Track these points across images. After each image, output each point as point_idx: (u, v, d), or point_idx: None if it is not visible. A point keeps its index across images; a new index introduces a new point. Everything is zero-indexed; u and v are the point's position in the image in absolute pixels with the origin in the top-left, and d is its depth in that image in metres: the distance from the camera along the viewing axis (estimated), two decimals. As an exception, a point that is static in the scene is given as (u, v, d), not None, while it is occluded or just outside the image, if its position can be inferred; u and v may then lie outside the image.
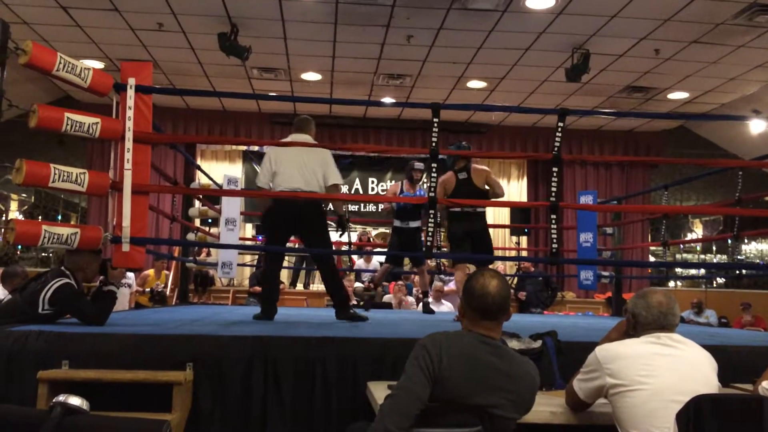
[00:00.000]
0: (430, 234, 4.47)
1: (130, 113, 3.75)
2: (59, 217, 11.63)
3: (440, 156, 4.46)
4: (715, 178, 11.46)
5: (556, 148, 4.23)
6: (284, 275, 11.21)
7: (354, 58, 9.12)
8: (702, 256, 12.32)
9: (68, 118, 3.49)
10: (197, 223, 8.06)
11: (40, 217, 10.98)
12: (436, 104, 4.16)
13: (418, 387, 2.05)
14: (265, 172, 4.62)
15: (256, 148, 12.12)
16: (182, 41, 8.63)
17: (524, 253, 11.53)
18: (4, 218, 10.89)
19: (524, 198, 12.19)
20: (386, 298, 9.24)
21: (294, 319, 4.85)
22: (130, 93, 3.77)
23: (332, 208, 5.02)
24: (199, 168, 7.71)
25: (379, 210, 12.51)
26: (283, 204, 4.51)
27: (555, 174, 4.23)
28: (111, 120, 3.77)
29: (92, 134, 3.60)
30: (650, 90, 10.02)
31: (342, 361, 3.05)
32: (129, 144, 3.74)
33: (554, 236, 4.23)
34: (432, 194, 4.23)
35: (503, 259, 12.05)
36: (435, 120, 4.12)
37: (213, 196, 7.52)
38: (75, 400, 1.55)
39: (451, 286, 8.29)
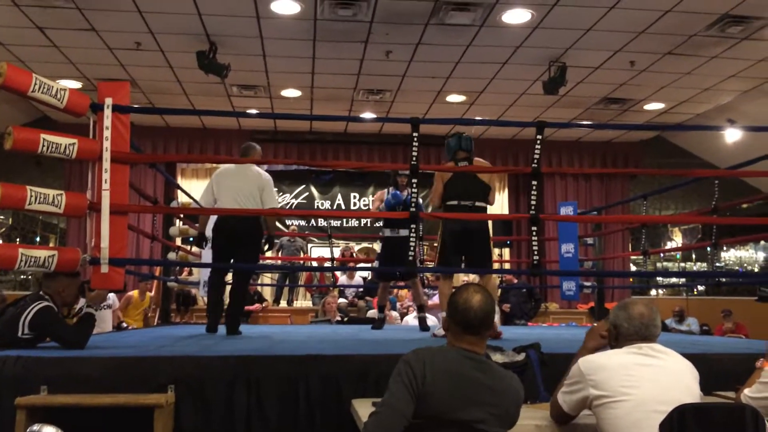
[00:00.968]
0: (412, 248, 4.43)
1: (107, 133, 3.72)
2: (37, 239, 11.48)
3: (446, 139, 4.79)
4: (692, 187, 11.59)
5: (535, 161, 4.26)
6: (267, 292, 11.18)
7: (333, 74, 9.14)
8: (682, 264, 12.44)
9: (44, 139, 3.45)
10: (178, 242, 7.99)
11: (18, 240, 10.84)
12: (416, 119, 4.17)
13: (402, 403, 2.03)
14: (207, 197, 5.14)
15: (236, 165, 12.05)
16: (160, 60, 8.60)
17: (507, 265, 11.57)
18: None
19: (505, 210, 12.24)
20: (370, 313, 9.20)
21: (277, 336, 4.82)
22: (107, 113, 3.74)
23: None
24: (178, 187, 7.67)
25: (362, 225, 12.53)
26: (221, 224, 4.98)
27: (535, 187, 4.26)
28: (88, 140, 3.74)
29: (69, 155, 3.57)
30: (627, 101, 10.15)
31: (325, 378, 3.03)
32: (106, 164, 3.70)
33: (535, 248, 4.25)
34: (413, 208, 4.23)
35: (486, 271, 12.05)
36: (415, 134, 4.13)
37: (194, 214, 7.46)
38: (49, 430, 1.53)
39: (435, 300, 8.27)
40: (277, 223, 11.90)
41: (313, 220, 12.39)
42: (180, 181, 11.72)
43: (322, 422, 2.99)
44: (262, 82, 9.50)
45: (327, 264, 9.13)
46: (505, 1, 6.90)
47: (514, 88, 9.60)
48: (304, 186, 12.48)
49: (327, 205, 12.48)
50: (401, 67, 8.81)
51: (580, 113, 10.74)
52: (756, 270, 12.13)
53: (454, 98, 10.11)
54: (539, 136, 4.26)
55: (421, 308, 6.08)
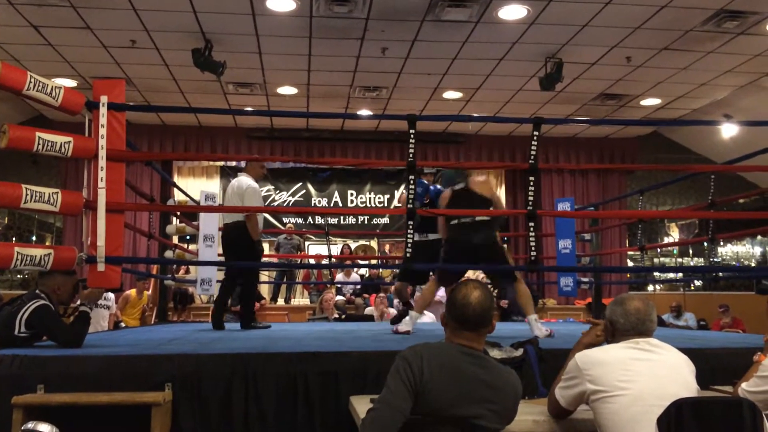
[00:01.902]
0: (409, 246, 4.41)
1: (102, 131, 3.70)
2: (33, 238, 11.45)
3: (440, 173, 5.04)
4: (689, 183, 11.63)
5: (532, 157, 4.25)
6: (264, 290, 11.17)
7: (330, 72, 9.13)
8: (679, 260, 12.47)
9: (39, 137, 3.44)
10: (175, 240, 7.98)
11: (14, 239, 10.81)
12: (412, 116, 4.16)
13: (399, 400, 2.03)
14: None
15: (233, 163, 12.07)
16: (156, 58, 8.57)
17: (505, 262, 11.55)
18: (-23, 240, 10.70)
19: (503, 206, 12.22)
20: (368, 310, 9.21)
21: (275, 334, 4.81)
22: (103, 111, 3.72)
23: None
24: (174, 185, 7.65)
25: (359, 222, 12.53)
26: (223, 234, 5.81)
27: (531, 183, 4.25)
28: (84, 138, 3.72)
29: (65, 153, 3.55)
30: (623, 97, 10.15)
31: (323, 375, 3.03)
32: (102, 162, 3.69)
33: (532, 244, 4.24)
34: (410, 206, 4.22)
35: (483, 269, 12.05)
36: (411, 131, 4.12)
37: (190, 212, 7.45)
38: (44, 428, 1.52)
39: (439, 296, 8.25)
40: (275, 221, 11.94)
41: (310, 218, 12.38)
42: (176, 179, 11.71)
43: (320, 419, 2.98)
44: (258, 80, 9.47)
45: (324, 261, 9.12)
46: (501, -3, 6.90)
47: (510, 84, 9.59)
48: (301, 183, 12.47)
49: (324, 202, 12.47)
50: (397, 63, 8.80)
51: (577, 109, 10.74)
52: (753, 265, 12.16)
53: (450, 95, 10.10)
54: (536, 133, 4.25)
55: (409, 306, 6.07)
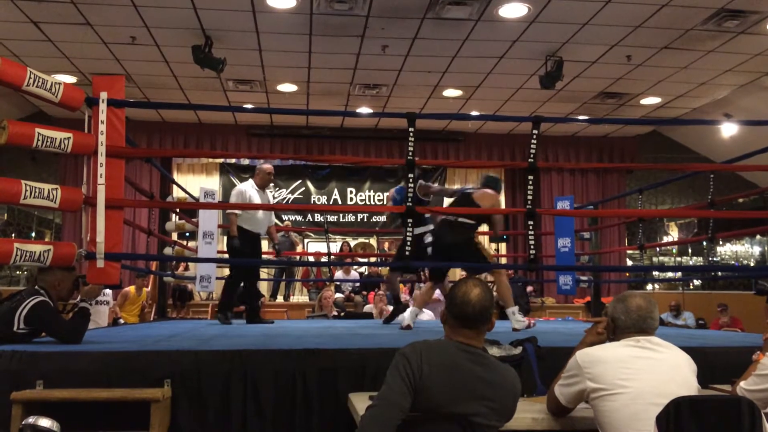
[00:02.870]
0: (408, 243, 4.42)
1: (102, 127, 3.71)
2: (33, 234, 11.44)
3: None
4: (688, 182, 11.62)
5: (531, 156, 4.25)
6: (264, 287, 11.17)
7: (330, 69, 9.12)
8: (678, 259, 12.47)
9: (39, 133, 3.43)
10: (174, 237, 7.97)
11: (13, 235, 10.79)
12: (412, 114, 4.16)
13: (398, 397, 2.03)
14: None
15: (233, 160, 12.07)
16: (156, 54, 8.56)
17: (503, 260, 11.57)
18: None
19: (502, 205, 12.22)
20: (367, 308, 9.21)
21: (274, 331, 4.81)
22: (102, 107, 3.72)
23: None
24: (173, 181, 7.64)
25: (358, 220, 12.53)
26: None
27: (531, 182, 4.25)
28: (83, 135, 3.72)
29: (64, 149, 3.55)
30: (623, 96, 10.15)
31: (322, 373, 3.03)
32: (102, 158, 3.69)
33: (531, 243, 4.24)
34: (409, 203, 4.22)
35: (482, 266, 12.07)
36: (411, 129, 4.12)
37: (190, 209, 7.45)
38: (45, 422, 1.52)
39: (436, 294, 8.25)
40: (274, 219, 11.91)
41: (310, 215, 12.37)
42: (176, 176, 11.70)
43: (319, 416, 2.98)
44: (258, 77, 9.46)
45: (324, 259, 9.12)
46: (501, -5, 6.89)
47: (510, 82, 9.58)
48: (300, 181, 12.45)
49: (324, 200, 12.46)
50: (397, 61, 8.79)
51: (577, 108, 10.74)
52: (752, 264, 12.16)
53: (450, 93, 10.09)
54: (535, 131, 4.25)
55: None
